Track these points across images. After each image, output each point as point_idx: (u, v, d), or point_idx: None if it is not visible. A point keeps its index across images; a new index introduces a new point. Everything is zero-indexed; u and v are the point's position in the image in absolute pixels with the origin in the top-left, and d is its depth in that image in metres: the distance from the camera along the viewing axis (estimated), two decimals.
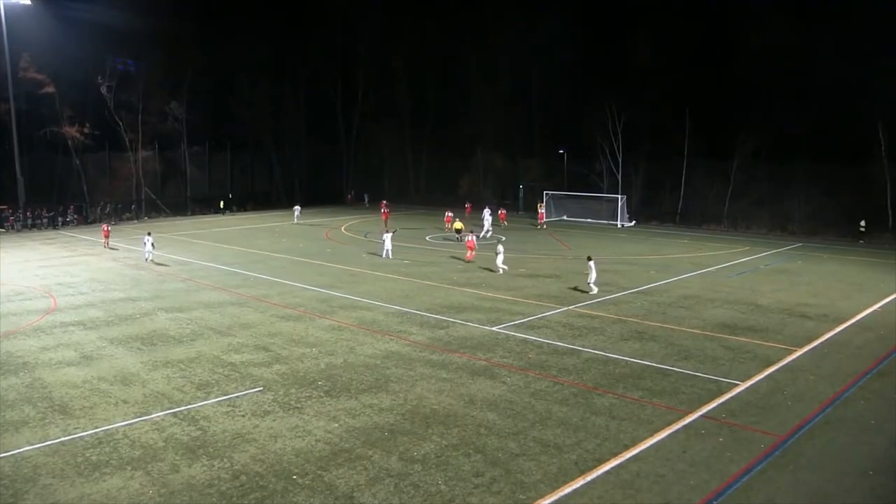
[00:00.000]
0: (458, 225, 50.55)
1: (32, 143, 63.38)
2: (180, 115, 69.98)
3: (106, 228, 48.67)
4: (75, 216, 62.03)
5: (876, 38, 48.87)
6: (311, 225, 59.87)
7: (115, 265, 39.64)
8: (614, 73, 61.17)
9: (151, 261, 39.60)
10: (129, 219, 64.21)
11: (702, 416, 16.81)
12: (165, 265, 39.26)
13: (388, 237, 41.92)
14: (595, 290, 31.08)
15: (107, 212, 64.17)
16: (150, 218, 64.75)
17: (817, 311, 28.09)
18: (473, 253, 40.10)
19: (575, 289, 32.18)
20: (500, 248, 37.63)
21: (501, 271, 36.30)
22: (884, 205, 52.11)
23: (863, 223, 51.09)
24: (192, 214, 70.46)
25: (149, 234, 40.83)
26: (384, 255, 41.20)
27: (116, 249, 46.06)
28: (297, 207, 64.64)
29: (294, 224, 60.61)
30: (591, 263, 31.30)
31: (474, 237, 42.59)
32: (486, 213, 53.12)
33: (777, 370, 20.42)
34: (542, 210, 59.76)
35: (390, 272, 36.49)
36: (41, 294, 31.37)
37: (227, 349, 22.38)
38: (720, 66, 56.41)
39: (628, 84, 60.10)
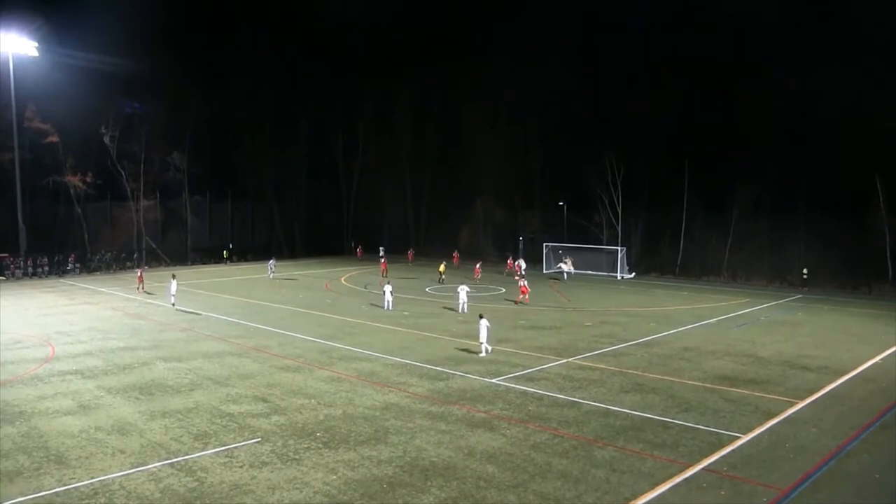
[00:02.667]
0: (441, 268, 55.43)
1: (35, 192, 63.89)
2: (182, 165, 70.69)
3: (140, 274, 50.28)
4: (76, 264, 62.13)
5: (873, 90, 49.50)
6: (312, 276, 59.90)
7: (115, 314, 39.61)
8: (614, 125, 61.84)
9: (174, 305, 41.02)
10: (130, 267, 64.25)
11: (703, 468, 16.64)
12: (194, 312, 39.22)
13: (388, 288, 41.92)
14: (488, 350, 28.69)
15: (134, 258, 65.23)
16: (150, 267, 64.78)
17: (818, 362, 27.99)
18: (527, 296, 43.61)
19: (573, 340, 32.12)
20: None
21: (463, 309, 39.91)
22: (883, 256, 52.23)
23: (805, 271, 53.41)
24: (192, 264, 70.56)
25: (174, 276, 41.89)
26: (385, 307, 41.12)
27: (153, 294, 46.96)
28: (272, 261, 60.87)
29: (270, 279, 57.20)
30: (483, 322, 28.55)
31: (525, 281, 45.80)
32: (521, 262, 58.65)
33: (779, 423, 20.27)
34: (515, 261, 60.45)
35: (390, 323, 36.45)
36: (40, 342, 31.28)
37: (226, 399, 22.24)
38: (719, 117, 56.94)
39: (627, 135, 60.76)
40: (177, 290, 41.78)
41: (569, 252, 62.35)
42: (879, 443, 18.84)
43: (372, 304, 42.89)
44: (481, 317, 28.94)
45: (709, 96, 57.26)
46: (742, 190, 56.53)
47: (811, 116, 52.07)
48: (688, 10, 57.30)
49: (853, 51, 50.61)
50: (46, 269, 59.69)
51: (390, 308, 40.87)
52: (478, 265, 58.86)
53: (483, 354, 28.51)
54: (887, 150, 48.47)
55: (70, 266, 61.35)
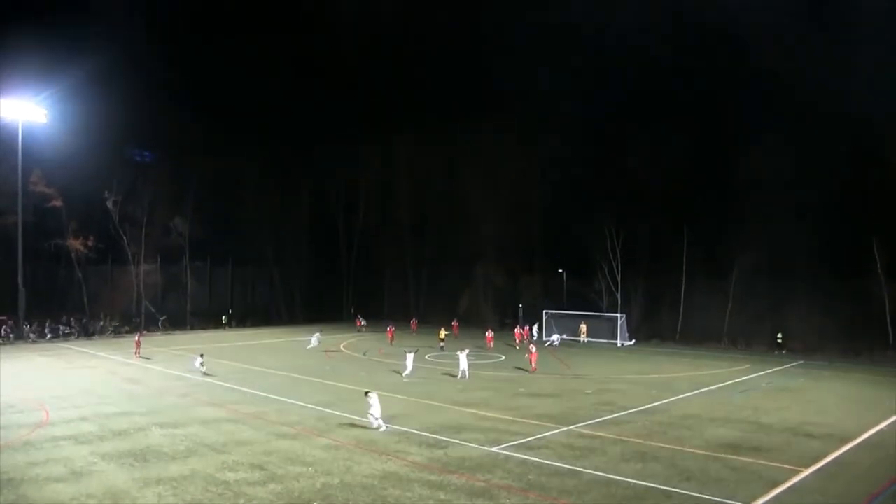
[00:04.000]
0: (441, 334, 55.35)
1: (37, 255, 64.15)
2: (183, 231, 71.16)
3: (138, 339, 50.01)
4: (75, 328, 61.93)
5: (868, 153, 50.10)
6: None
7: (112, 378, 39.38)
8: (613, 190, 62.41)
9: (204, 372, 40.80)
10: (128, 332, 64.01)
11: None
12: (241, 402, 38.87)
13: (410, 357, 41.29)
14: (381, 426, 27.06)
15: (136, 322, 65.11)
16: (148, 332, 64.52)
17: (823, 430, 27.66)
18: (534, 364, 43.24)
19: (575, 407, 31.82)
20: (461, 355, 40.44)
21: (463, 375, 39.88)
22: (883, 321, 52.09)
23: (779, 335, 53.83)
24: (191, 329, 70.31)
25: (201, 354, 42.24)
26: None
27: (149, 359, 46.77)
28: (317, 335, 57.72)
29: (308, 349, 54.33)
30: (373, 397, 27.41)
31: (535, 347, 45.79)
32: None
33: (783, 491, 19.91)
34: (524, 328, 60.08)
35: (389, 390, 36.09)
36: (34, 406, 30.95)
37: (222, 467, 21.89)
38: (718, 182, 57.51)
39: (627, 201, 61.31)
40: (201, 364, 41.39)
41: (570, 320, 62.47)
42: None
43: (395, 371, 42.34)
44: (367, 394, 27.71)
45: (708, 161, 57.92)
46: (741, 254, 56.74)
47: (810, 181, 52.51)
48: (686, 73, 58.59)
49: (852, 111, 51.25)
50: (48, 332, 59.31)
51: (410, 376, 40.23)
52: (489, 333, 57.26)
53: (381, 428, 26.91)
54: (885, 214, 48.82)
55: (69, 330, 60.98)
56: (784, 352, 53.00)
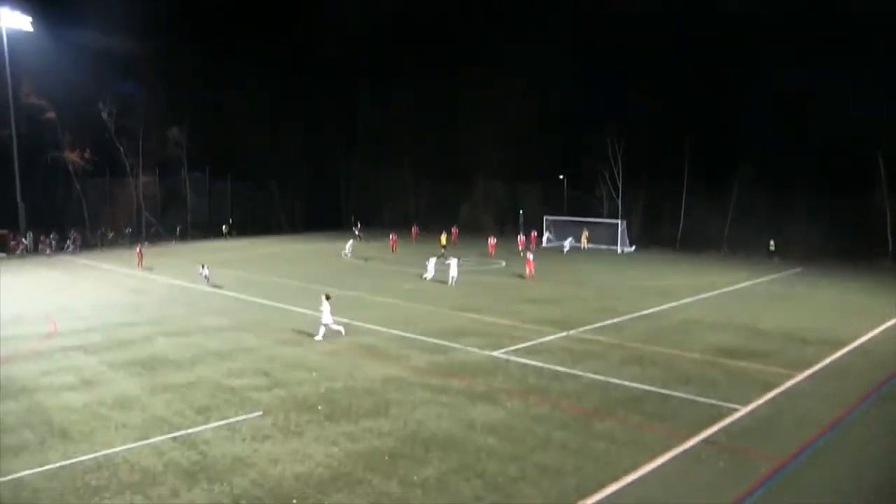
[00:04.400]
0: (442, 239, 55.89)
1: (33, 169, 63.65)
2: (181, 141, 70.45)
3: (140, 250, 50.29)
4: (78, 241, 62.07)
5: (876, 68, 49.17)
6: (312, 251, 59.96)
7: (116, 290, 39.71)
8: (615, 100, 61.47)
9: (211, 283, 40.46)
10: (130, 244, 64.13)
11: (702, 440, 16.75)
12: (245, 309, 39.21)
13: (453, 262, 41.32)
14: (336, 328, 27.17)
15: (128, 233, 65.94)
16: (150, 243, 64.70)
17: (817, 335, 28.09)
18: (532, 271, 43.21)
19: (574, 313, 32.21)
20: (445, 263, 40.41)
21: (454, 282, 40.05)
22: (883, 231, 52.22)
23: (772, 242, 54.81)
24: (191, 240, 70.47)
25: (203, 265, 41.73)
26: (451, 282, 40.41)
27: (152, 269, 47.31)
28: (350, 243, 57.46)
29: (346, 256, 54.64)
30: (325, 303, 27.12)
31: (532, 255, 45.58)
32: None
33: (777, 394, 20.38)
34: (521, 237, 60.24)
35: (391, 297, 36.51)
36: (41, 319, 31.33)
37: (227, 374, 22.33)
38: (720, 93, 56.63)
39: (629, 110, 60.47)
40: (208, 273, 41.07)
41: (574, 226, 62.66)
42: (877, 415, 18.98)
43: (397, 278, 42.47)
44: (327, 298, 27.41)
45: (711, 73, 56.87)
46: (743, 166, 56.39)
47: (814, 94, 51.64)
48: None
49: (856, 30, 50.24)
50: (52, 244, 59.45)
51: (455, 281, 40.46)
52: (491, 240, 56.82)
53: (319, 338, 26.83)
54: (889, 129, 48.25)
55: (70, 244, 61.16)
56: (776, 259, 53.52)
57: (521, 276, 43.72)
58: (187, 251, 59.83)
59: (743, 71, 55.85)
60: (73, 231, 62.57)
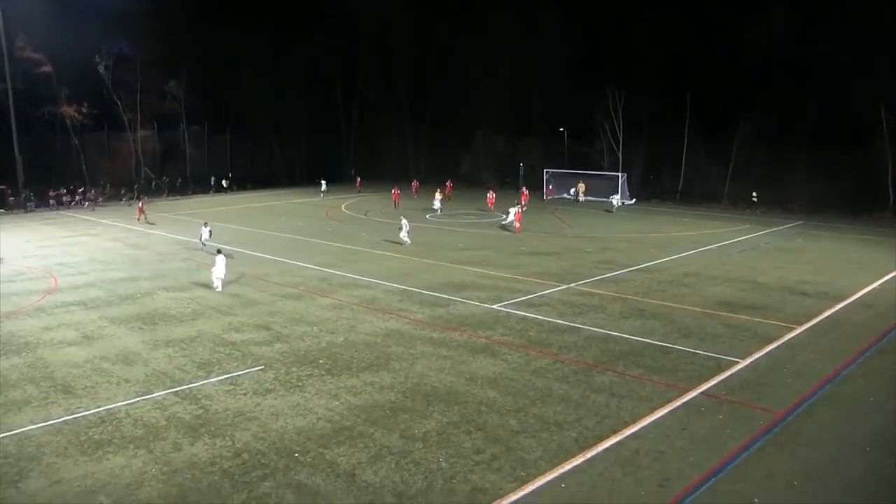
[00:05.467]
0: (437, 195, 54.79)
1: (30, 124, 63.13)
2: (179, 95, 69.77)
3: (141, 205, 50.28)
4: (79, 196, 61.84)
5: (876, 19, 48.39)
6: (312, 204, 59.80)
7: (116, 245, 39.68)
8: (614, 54, 60.60)
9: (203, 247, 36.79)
10: (130, 198, 63.93)
11: (701, 393, 16.87)
12: (245, 264, 39.09)
13: (404, 223, 39.14)
14: (218, 287, 27.73)
15: (136, 188, 65.45)
16: (149, 198, 64.38)
17: (817, 288, 28.13)
18: (519, 225, 42.85)
19: (574, 266, 32.23)
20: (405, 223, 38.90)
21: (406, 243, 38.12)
22: (884, 183, 51.94)
23: (754, 194, 55.54)
24: (192, 194, 70.14)
25: (205, 223, 37.98)
26: (405, 237, 38.98)
27: (154, 224, 47.31)
28: (323, 182, 65.93)
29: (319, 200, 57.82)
30: (220, 258, 27.98)
31: (519, 209, 44.90)
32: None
33: (777, 347, 20.47)
34: (524, 190, 59.46)
35: (390, 251, 36.49)
36: (42, 274, 31.38)
37: (228, 328, 22.42)
38: (721, 47, 55.76)
39: (629, 63, 59.68)
40: (210, 235, 37.02)
41: (571, 179, 62.47)
42: (875, 367, 19.06)
43: (386, 241, 40.12)
44: (219, 252, 28.52)
45: (711, 26, 55.98)
46: (744, 118, 55.85)
47: (814, 47, 50.84)
48: None
49: None
50: (52, 201, 59.21)
51: (408, 242, 38.60)
52: (491, 194, 55.74)
53: (216, 287, 27.66)
54: (891, 80, 47.65)
55: (69, 199, 60.90)
56: (758, 211, 54.46)
57: (523, 229, 43.34)
58: (187, 206, 59.65)
59: (744, 24, 54.88)
60: (70, 186, 62.25)
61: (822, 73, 51.05)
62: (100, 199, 61.82)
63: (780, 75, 54.20)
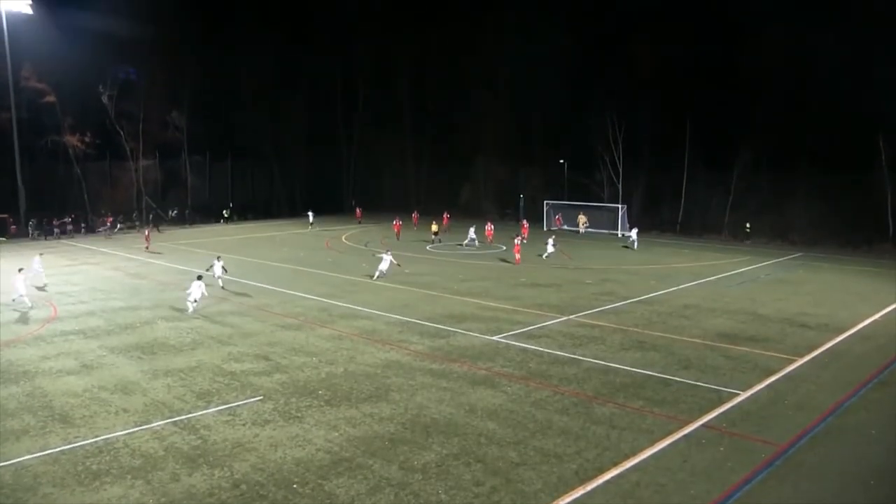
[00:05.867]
0: (434, 227, 55.19)
1: (34, 152, 63.57)
2: (181, 125, 70.30)
3: (148, 233, 51.19)
4: (82, 224, 62.00)
5: (875, 48, 48.87)
6: (313, 235, 59.88)
7: (116, 274, 39.72)
8: (614, 83, 61.09)
9: (222, 287, 34.36)
10: (130, 227, 64.07)
11: (702, 425, 16.78)
12: (245, 294, 39.01)
13: (385, 257, 38.07)
14: (190, 309, 28.80)
15: (150, 216, 65.00)
16: (155, 226, 64.44)
17: (818, 320, 28.08)
18: (519, 257, 42.89)
19: (575, 298, 32.20)
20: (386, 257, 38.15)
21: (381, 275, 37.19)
22: (884, 214, 52.06)
23: (748, 225, 55.61)
24: (192, 224, 70.30)
25: (218, 257, 35.97)
26: (376, 275, 37.37)
27: (161, 254, 47.35)
28: (311, 213, 65.35)
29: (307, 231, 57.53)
30: (196, 283, 28.99)
31: (519, 241, 44.75)
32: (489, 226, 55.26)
33: (778, 379, 20.39)
34: (525, 223, 59.38)
35: (390, 282, 36.47)
36: (42, 303, 31.37)
37: (228, 358, 22.37)
38: (720, 75, 56.25)
39: (628, 93, 60.16)
40: (224, 272, 34.96)
41: (571, 210, 62.72)
42: (877, 399, 18.98)
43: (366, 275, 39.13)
44: (199, 277, 30.03)
45: (710, 54, 56.36)
46: (743, 148, 56.17)
47: (813, 75, 51.34)
48: None
49: (856, 9, 49.70)
50: (55, 230, 59.28)
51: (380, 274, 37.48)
52: (489, 226, 55.00)
53: (189, 311, 28.91)
54: (890, 109, 47.97)
55: (71, 226, 61.01)
56: (750, 242, 54.57)
57: (522, 260, 43.41)
58: (188, 235, 59.75)
59: (742, 51, 55.30)
60: (72, 215, 62.42)
61: (822, 99, 51.22)
62: (119, 227, 61.92)
63: (780, 103, 54.37)
